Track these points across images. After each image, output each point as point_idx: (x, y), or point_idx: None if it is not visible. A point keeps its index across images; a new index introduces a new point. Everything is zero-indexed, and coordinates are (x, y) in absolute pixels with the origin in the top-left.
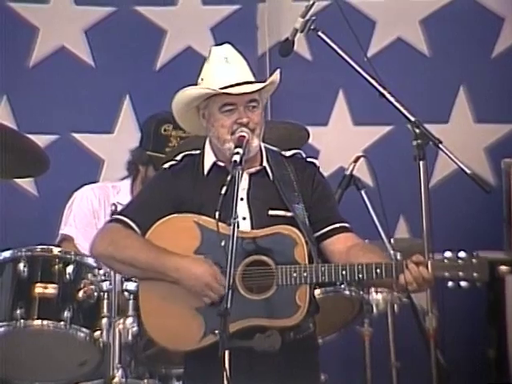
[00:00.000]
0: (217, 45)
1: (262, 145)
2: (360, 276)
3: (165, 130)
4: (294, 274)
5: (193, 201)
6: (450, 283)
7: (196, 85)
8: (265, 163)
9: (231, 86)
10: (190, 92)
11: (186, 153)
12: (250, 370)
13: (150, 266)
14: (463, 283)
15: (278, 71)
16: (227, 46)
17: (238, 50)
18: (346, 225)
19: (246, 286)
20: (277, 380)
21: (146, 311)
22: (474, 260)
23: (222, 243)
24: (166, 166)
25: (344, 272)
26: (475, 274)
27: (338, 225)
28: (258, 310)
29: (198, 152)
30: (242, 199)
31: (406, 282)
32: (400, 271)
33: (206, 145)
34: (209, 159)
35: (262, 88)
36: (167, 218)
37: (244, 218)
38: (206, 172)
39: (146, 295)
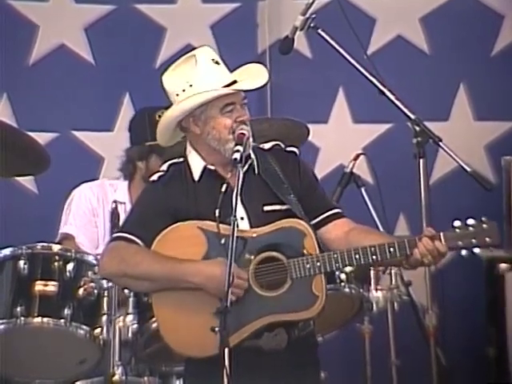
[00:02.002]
0: (188, 51)
1: None
2: (374, 258)
3: (159, 117)
4: (308, 265)
5: (188, 208)
6: (464, 252)
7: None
8: (252, 157)
9: (230, 84)
10: (195, 98)
11: (171, 162)
12: (257, 368)
13: (167, 277)
14: (476, 249)
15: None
16: (208, 49)
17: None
18: (340, 210)
19: (261, 284)
20: (283, 377)
21: (163, 324)
22: (484, 225)
23: (222, 241)
24: (155, 177)
25: (357, 256)
26: (487, 239)
27: (332, 211)
28: (277, 306)
29: (181, 160)
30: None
31: (421, 254)
32: (413, 247)
33: (190, 151)
34: (197, 164)
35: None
36: (171, 227)
37: (242, 218)
38: (196, 178)
39: (160, 308)
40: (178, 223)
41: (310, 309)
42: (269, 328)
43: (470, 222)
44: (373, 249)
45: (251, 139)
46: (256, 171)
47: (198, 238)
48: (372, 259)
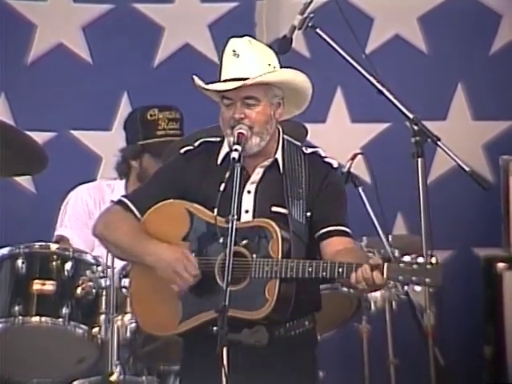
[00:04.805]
0: (236, 37)
1: (282, 137)
2: (324, 274)
3: (151, 115)
4: (266, 268)
5: (200, 189)
6: (406, 287)
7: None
8: (277, 155)
9: (228, 80)
10: (195, 81)
11: (205, 139)
12: (235, 362)
13: (132, 250)
14: (417, 287)
15: (287, 70)
16: (242, 39)
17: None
18: (344, 229)
19: (224, 276)
20: (264, 375)
21: (134, 295)
22: (428, 266)
23: (221, 240)
24: (182, 150)
25: (310, 269)
26: (427, 280)
27: (334, 227)
28: (232, 301)
29: (218, 140)
30: (249, 192)
31: (356, 280)
32: None
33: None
34: (224, 149)
35: (239, 86)
36: (163, 202)
37: (247, 211)
38: (219, 161)
39: (136, 280)
40: (171, 200)
41: (257, 310)
42: (248, 323)
43: (419, 259)
44: (324, 265)
45: (255, 140)
46: (281, 171)
47: (183, 218)
48: (322, 275)
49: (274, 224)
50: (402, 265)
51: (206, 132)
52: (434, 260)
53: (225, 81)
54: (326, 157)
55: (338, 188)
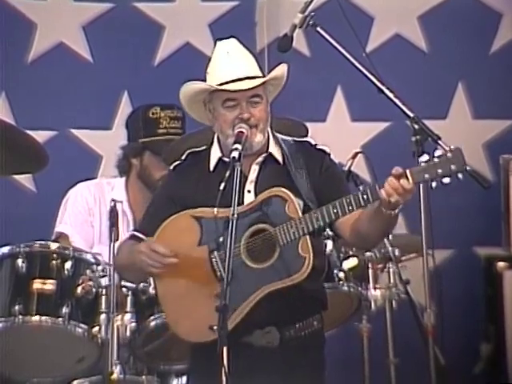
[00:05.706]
0: (222, 39)
1: (271, 133)
2: (350, 208)
3: (153, 114)
4: (292, 230)
5: (197, 197)
6: (434, 183)
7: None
8: (271, 149)
9: (232, 81)
10: (191, 87)
11: (190, 150)
12: (248, 364)
13: (132, 262)
14: (445, 180)
15: (280, 66)
16: (231, 41)
17: (242, 44)
18: None
19: (253, 257)
20: (275, 376)
21: (168, 310)
22: (448, 154)
23: (221, 239)
24: (171, 166)
25: (335, 210)
26: (453, 167)
27: None
28: (270, 276)
29: (203, 148)
30: (249, 191)
31: (386, 193)
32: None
33: (215, 140)
34: (215, 155)
35: (261, 84)
36: (168, 220)
37: None
38: (211, 168)
39: (164, 294)
40: (174, 215)
41: (299, 271)
42: (260, 325)
43: (437, 153)
44: (348, 200)
45: (258, 137)
46: (281, 161)
47: (192, 226)
48: (348, 209)
49: (282, 189)
50: (423, 164)
51: (197, 135)
52: (451, 147)
53: (227, 82)
54: (316, 144)
55: (335, 169)
